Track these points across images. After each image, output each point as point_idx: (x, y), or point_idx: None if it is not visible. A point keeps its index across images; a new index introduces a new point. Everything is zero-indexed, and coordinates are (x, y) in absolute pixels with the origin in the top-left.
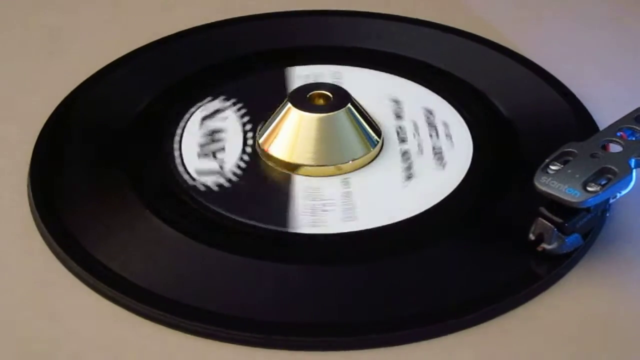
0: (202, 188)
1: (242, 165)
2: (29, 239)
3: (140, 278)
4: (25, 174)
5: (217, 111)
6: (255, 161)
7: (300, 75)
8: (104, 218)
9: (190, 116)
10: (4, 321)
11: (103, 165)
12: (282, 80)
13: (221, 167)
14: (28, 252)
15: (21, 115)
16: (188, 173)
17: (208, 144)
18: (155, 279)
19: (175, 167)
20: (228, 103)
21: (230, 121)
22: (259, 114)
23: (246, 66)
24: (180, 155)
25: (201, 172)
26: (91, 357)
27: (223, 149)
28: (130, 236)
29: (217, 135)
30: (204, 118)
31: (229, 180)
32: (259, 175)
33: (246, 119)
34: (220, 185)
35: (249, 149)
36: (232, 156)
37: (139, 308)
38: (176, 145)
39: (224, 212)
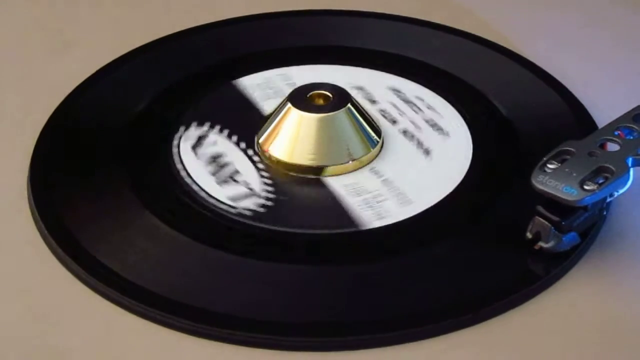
0: (249, 213)
1: (267, 181)
2: (29, 239)
3: (139, 278)
4: (25, 174)
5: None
6: (275, 173)
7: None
8: (104, 218)
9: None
10: (4, 321)
11: (103, 165)
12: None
13: (251, 189)
14: (28, 252)
15: (21, 115)
16: (222, 202)
17: (218, 170)
18: (154, 279)
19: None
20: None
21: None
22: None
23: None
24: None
25: (236, 199)
26: (91, 357)
27: (237, 171)
28: (130, 236)
29: (220, 160)
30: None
31: (268, 199)
32: (288, 185)
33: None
34: (263, 206)
35: (260, 165)
36: (250, 175)
37: (138, 308)
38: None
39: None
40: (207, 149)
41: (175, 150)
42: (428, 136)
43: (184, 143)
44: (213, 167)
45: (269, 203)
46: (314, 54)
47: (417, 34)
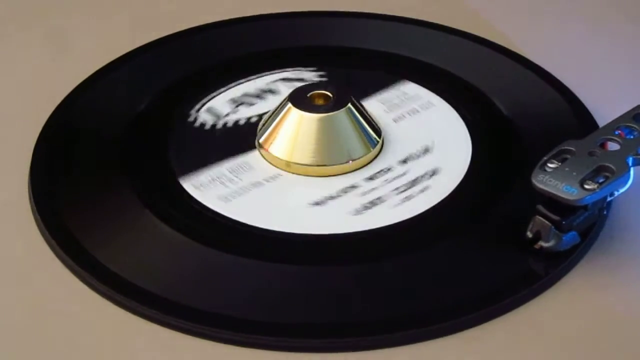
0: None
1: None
2: (29, 239)
3: (139, 278)
4: (25, 174)
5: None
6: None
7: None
8: (104, 218)
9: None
10: (4, 321)
11: (103, 165)
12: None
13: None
14: (28, 252)
15: (22, 116)
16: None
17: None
18: (155, 280)
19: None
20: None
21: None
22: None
23: (242, 68)
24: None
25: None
26: (90, 357)
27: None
28: (130, 236)
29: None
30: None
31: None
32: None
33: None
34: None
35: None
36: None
37: (138, 308)
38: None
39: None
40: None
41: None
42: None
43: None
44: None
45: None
46: (314, 55)
47: (417, 35)
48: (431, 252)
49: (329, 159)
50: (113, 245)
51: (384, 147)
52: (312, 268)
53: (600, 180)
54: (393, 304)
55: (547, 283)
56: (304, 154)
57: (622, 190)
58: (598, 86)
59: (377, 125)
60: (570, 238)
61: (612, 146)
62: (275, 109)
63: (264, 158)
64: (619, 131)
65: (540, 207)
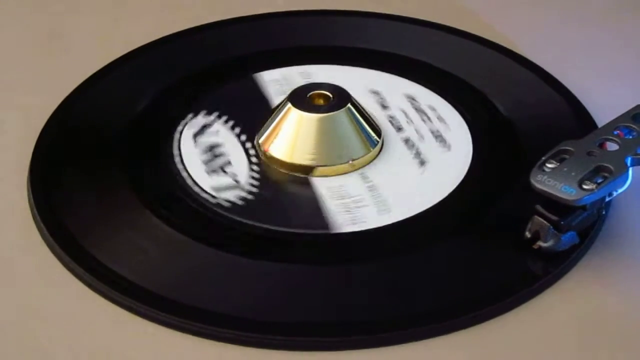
0: (227, 204)
1: (255, 175)
2: (29, 238)
3: (140, 278)
4: (25, 174)
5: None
6: (266, 168)
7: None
8: (104, 218)
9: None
10: (3, 321)
11: (103, 165)
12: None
13: (237, 181)
14: (28, 252)
15: (21, 115)
16: (205, 191)
17: (211, 160)
18: (155, 279)
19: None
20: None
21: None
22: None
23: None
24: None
25: (219, 189)
26: (90, 357)
27: (229, 162)
28: (130, 236)
29: (217, 150)
30: (199, 131)
31: (250, 192)
32: (275, 182)
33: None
34: (243, 199)
35: (254, 159)
36: (241, 167)
37: (138, 308)
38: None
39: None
40: (208, 137)
41: (177, 135)
42: (429, 147)
43: (188, 130)
44: (207, 155)
45: (250, 197)
46: (334, 55)
47: (416, 35)
48: (430, 252)
49: (329, 159)
50: (112, 244)
51: (382, 152)
52: (311, 268)
53: (599, 181)
54: (392, 303)
55: (546, 283)
56: (304, 154)
57: (620, 191)
58: (597, 86)
59: (377, 125)
60: (569, 238)
61: (611, 146)
62: (275, 109)
63: (264, 158)
64: (618, 131)
65: (539, 207)
